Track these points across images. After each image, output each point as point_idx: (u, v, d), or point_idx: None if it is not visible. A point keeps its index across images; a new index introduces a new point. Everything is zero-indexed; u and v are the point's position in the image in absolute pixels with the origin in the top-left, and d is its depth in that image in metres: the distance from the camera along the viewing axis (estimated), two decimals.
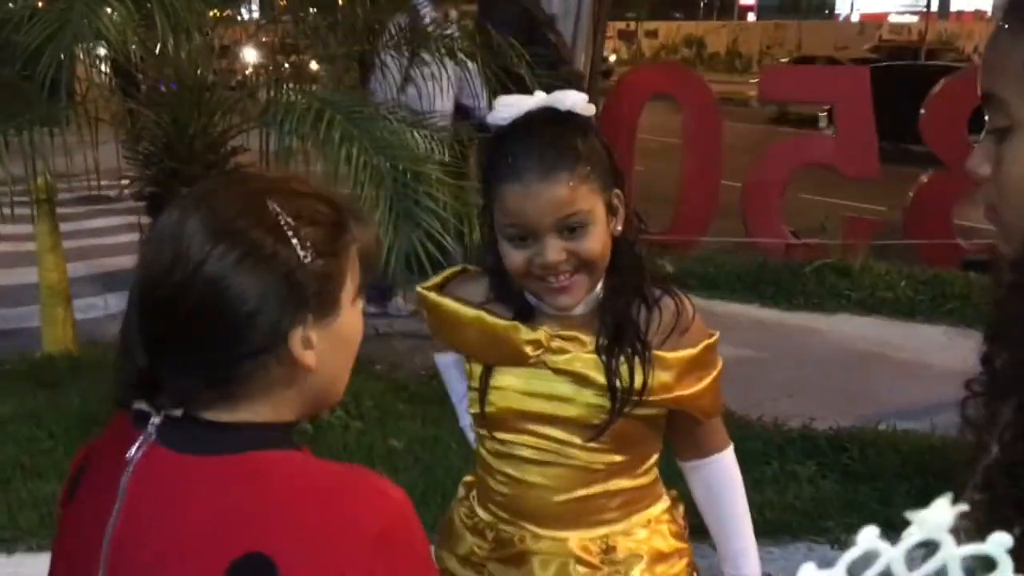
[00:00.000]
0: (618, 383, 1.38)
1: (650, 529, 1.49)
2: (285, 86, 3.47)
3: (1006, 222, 0.88)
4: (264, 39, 4.58)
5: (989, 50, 0.89)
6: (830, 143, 6.65)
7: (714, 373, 1.45)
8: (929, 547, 0.39)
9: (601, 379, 1.39)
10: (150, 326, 0.93)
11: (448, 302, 1.49)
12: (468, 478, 1.63)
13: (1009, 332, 0.76)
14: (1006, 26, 0.87)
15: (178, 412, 0.94)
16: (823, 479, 3.43)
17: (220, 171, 3.72)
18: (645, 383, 1.39)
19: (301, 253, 0.91)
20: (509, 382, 1.44)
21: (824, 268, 5.92)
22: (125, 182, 4.29)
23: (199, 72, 3.69)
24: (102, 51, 3.69)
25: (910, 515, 0.40)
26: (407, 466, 3.62)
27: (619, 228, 1.40)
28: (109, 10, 3.10)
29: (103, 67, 3.23)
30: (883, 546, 0.40)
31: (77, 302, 5.15)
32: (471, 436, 1.61)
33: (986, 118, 0.89)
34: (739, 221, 6.47)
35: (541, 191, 1.32)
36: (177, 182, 3.58)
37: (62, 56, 3.31)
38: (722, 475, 1.53)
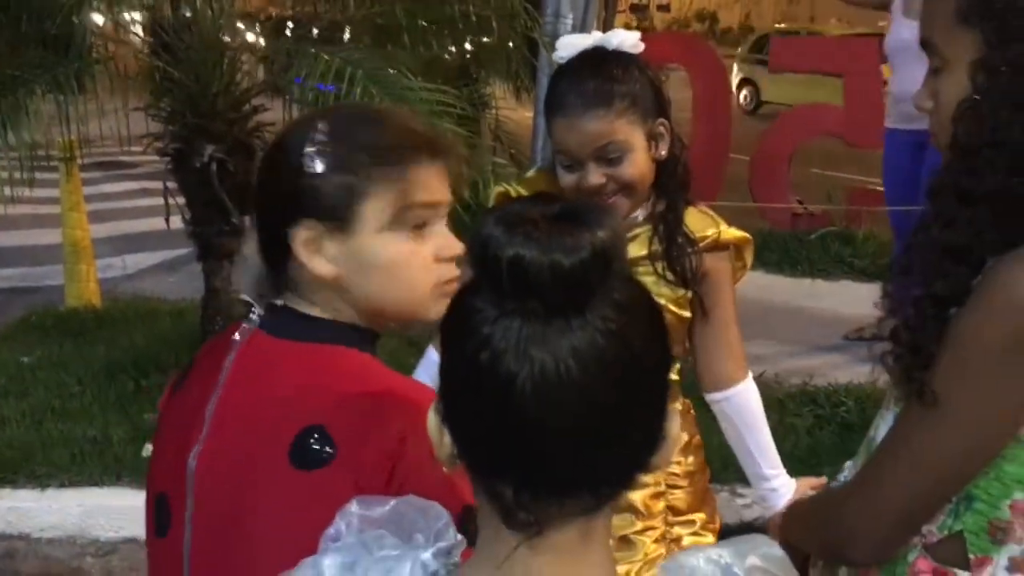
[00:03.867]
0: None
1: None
2: (307, 45, 3.57)
3: (942, 144, 1.07)
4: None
5: (925, 3, 1.09)
6: (839, 113, 6.71)
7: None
8: None
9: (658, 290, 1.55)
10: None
11: None
12: None
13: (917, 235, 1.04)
14: None
15: (279, 301, 1.07)
16: (820, 431, 3.59)
17: (242, 128, 3.83)
18: (695, 275, 1.58)
19: (314, 164, 1.01)
20: None
21: (828, 236, 6.02)
22: (139, 149, 4.39)
23: (221, 34, 3.80)
24: (136, 15, 3.79)
25: None
26: None
27: (663, 153, 1.55)
28: None
29: (136, 29, 3.33)
30: None
31: (97, 262, 5.29)
32: None
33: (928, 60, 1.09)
34: (746, 195, 6.55)
35: (581, 124, 1.49)
36: (201, 138, 3.70)
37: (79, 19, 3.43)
38: (747, 404, 1.67)
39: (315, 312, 1.06)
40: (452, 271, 1.06)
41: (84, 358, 4.21)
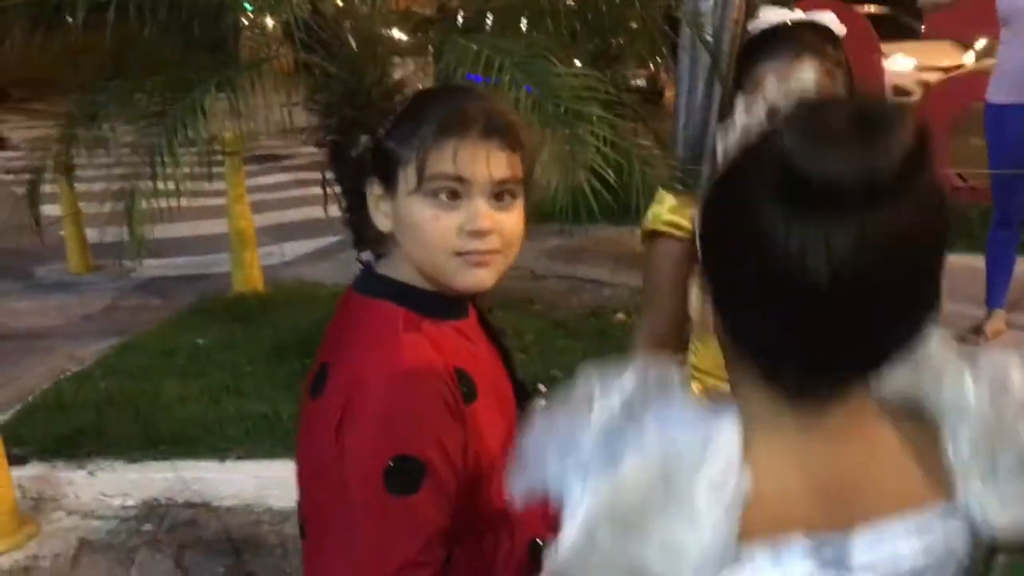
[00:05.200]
0: None
1: None
2: (454, 36, 3.67)
3: None
4: None
5: None
6: None
7: None
8: None
9: None
10: None
11: None
12: None
13: None
14: None
15: (367, 258, 1.23)
16: None
17: None
18: None
19: (381, 131, 1.16)
20: None
21: (991, 211, 5.71)
22: (294, 142, 4.63)
23: (375, 27, 3.95)
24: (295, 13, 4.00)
25: None
26: None
27: None
28: None
29: (296, 27, 3.52)
30: None
31: (258, 250, 5.61)
32: None
33: None
34: None
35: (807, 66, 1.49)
36: (357, 129, 3.86)
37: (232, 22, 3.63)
38: None
39: (382, 270, 1.19)
40: (474, 244, 1.12)
41: (253, 340, 4.48)
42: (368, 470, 1.06)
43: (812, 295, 0.69)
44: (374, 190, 1.17)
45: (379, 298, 1.17)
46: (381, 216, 1.16)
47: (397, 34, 4.46)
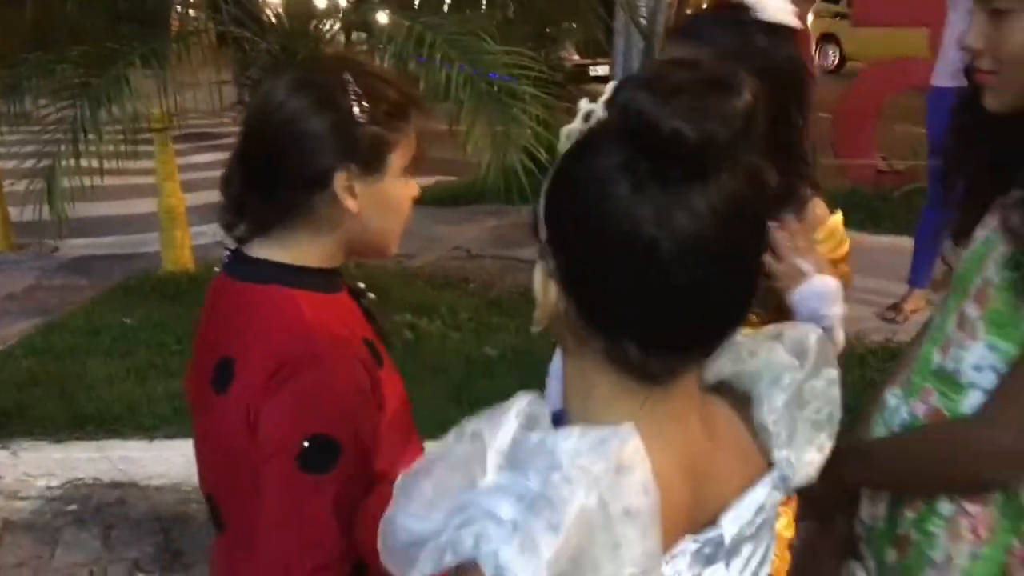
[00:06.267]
0: None
1: None
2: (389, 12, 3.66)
3: (1004, 82, 1.09)
4: None
5: None
6: (925, 66, 6.51)
7: None
8: None
9: None
10: (241, 161, 1.19)
11: None
12: None
13: None
14: None
15: (239, 245, 1.20)
16: None
17: None
18: None
19: (358, 112, 1.13)
20: None
21: (913, 193, 5.89)
22: (227, 119, 4.56)
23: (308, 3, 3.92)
24: None
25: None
26: (502, 372, 3.86)
27: None
28: None
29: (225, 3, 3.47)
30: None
31: (189, 229, 5.51)
32: None
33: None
34: (828, 155, 6.44)
35: None
36: None
37: None
38: None
39: (261, 254, 1.17)
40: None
41: (182, 319, 4.41)
42: (283, 451, 1.07)
43: (654, 262, 0.69)
44: (345, 175, 1.14)
45: (267, 283, 1.15)
46: (350, 198, 1.15)
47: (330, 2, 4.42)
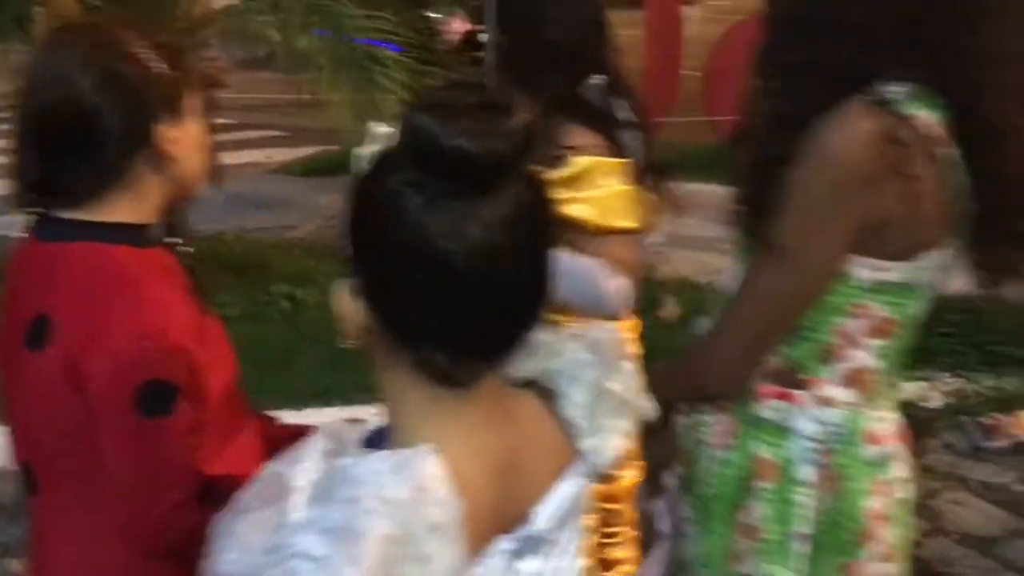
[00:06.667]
0: None
1: None
2: None
3: None
4: None
5: None
6: None
7: None
8: None
9: None
10: (33, 140, 1.20)
11: None
12: None
13: None
14: None
15: (44, 211, 1.21)
16: None
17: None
18: None
19: (151, 67, 1.17)
20: None
21: None
22: None
23: None
24: None
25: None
26: None
27: None
28: None
29: None
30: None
31: None
32: None
33: None
34: (700, 115, 6.63)
35: None
36: None
37: None
38: None
39: (77, 217, 1.19)
40: None
41: None
42: (120, 401, 1.10)
43: (451, 274, 0.75)
44: (163, 128, 1.19)
45: (83, 240, 1.18)
46: (172, 146, 1.20)
47: None
